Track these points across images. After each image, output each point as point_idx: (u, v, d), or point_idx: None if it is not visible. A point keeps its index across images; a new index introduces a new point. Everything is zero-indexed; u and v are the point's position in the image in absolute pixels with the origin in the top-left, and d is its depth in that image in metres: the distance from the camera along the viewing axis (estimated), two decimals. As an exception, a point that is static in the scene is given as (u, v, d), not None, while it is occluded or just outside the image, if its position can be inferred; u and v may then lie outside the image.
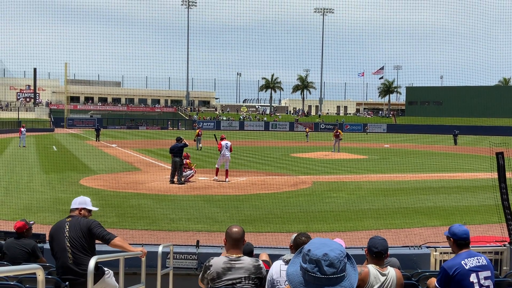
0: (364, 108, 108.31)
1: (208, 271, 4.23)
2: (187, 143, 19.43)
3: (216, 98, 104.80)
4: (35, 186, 16.87)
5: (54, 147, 37.43)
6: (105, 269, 5.53)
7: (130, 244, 5.61)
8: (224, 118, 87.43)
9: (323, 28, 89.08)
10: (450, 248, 4.81)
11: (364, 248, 4.64)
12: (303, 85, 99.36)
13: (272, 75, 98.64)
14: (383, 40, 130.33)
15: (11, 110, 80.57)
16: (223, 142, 19.32)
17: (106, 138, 48.82)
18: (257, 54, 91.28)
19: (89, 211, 5.67)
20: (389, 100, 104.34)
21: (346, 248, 4.02)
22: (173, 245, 7.15)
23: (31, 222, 6.70)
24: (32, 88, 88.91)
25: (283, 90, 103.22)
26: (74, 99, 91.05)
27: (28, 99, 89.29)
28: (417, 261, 7.41)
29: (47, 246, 6.66)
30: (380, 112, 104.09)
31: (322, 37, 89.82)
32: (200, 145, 35.24)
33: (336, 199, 15.65)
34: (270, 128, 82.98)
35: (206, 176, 20.32)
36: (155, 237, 10.18)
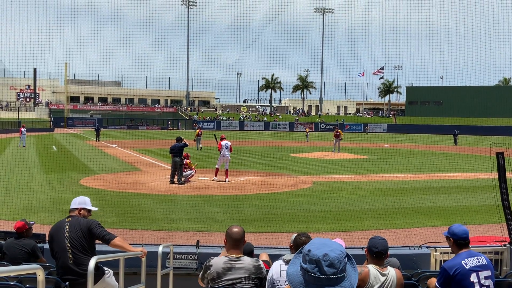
0: (364, 108, 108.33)
1: (208, 271, 4.23)
2: (187, 143, 19.43)
3: (216, 98, 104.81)
4: (35, 186, 16.87)
5: (54, 147, 37.42)
6: (105, 269, 5.53)
7: (130, 244, 5.61)
8: (224, 118, 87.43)
9: (323, 28, 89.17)
10: (450, 248, 4.81)
11: (364, 248, 4.64)
12: (303, 85, 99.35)
13: (272, 75, 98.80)
14: (383, 40, 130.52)
15: (11, 110, 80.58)
16: (223, 142, 19.31)
17: (106, 138, 48.81)
18: (257, 54, 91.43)
19: (89, 211, 5.67)
20: (389, 100, 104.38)
21: (346, 248, 4.02)
22: (173, 245, 7.14)
23: (31, 222, 6.70)
24: (32, 88, 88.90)
25: (283, 90, 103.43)
26: (74, 99, 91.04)
27: (28, 99, 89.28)
28: (417, 261, 7.41)
29: (47, 246, 6.65)
30: (380, 112, 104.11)
31: (322, 37, 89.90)
32: (200, 145, 35.24)
33: (336, 199, 15.65)
34: (270, 128, 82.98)
35: (206, 176, 20.32)
36: (155, 237, 10.18)
